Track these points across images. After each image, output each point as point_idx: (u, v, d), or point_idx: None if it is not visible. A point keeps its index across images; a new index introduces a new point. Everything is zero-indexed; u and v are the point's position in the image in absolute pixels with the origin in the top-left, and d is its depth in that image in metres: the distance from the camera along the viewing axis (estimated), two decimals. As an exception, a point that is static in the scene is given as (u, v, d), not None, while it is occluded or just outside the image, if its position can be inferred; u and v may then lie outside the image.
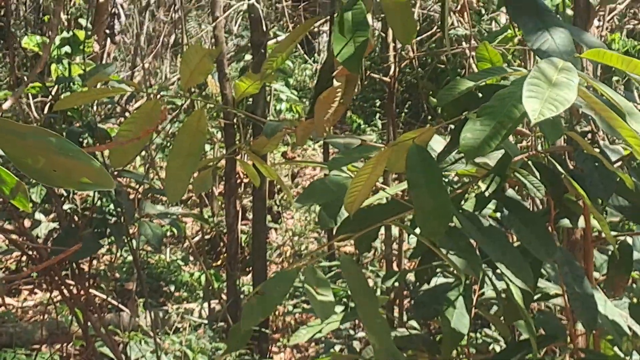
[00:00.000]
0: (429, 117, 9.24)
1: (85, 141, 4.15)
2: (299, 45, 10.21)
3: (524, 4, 2.11)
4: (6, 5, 4.54)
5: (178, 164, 2.42)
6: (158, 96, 2.46)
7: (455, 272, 2.59)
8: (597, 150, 2.41)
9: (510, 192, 2.64)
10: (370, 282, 5.85)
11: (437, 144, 2.41)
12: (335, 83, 2.19)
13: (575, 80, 1.74)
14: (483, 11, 5.23)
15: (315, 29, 8.53)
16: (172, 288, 6.63)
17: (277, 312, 5.98)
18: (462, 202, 2.43)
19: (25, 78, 5.35)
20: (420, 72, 7.36)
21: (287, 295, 2.11)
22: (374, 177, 2.09)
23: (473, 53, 3.73)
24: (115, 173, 3.60)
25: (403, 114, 9.02)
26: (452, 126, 2.20)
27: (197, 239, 7.27)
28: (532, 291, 2.25)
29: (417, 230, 2.43)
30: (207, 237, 7.23)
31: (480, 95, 2.14)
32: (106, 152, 4.29)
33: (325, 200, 2.46)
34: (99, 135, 3.81)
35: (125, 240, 3.71)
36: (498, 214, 2.48)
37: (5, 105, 1.61)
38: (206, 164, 2.75)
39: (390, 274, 2.81)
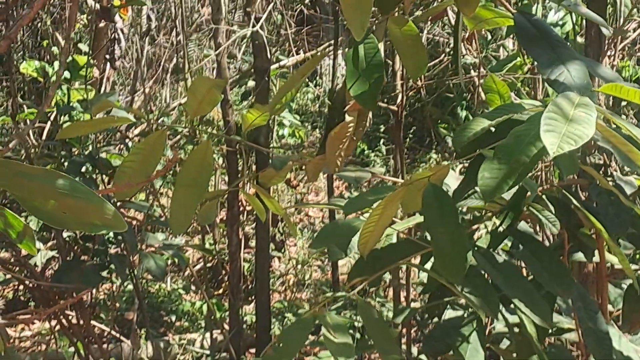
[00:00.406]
0: (435, 143, 9.22)
1: (85, 168, 4.11)
2: (297, 68, 10.18)
3: (536, 37, 2.07)
4: (5, 28, 4.49)
5: (184, 195, 2.38)
6: (159, 123, 2.42)
7: (467, 306, 2.55)
8: (611, 183, 2.38)
9: (522, 224, 2.60)
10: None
11: (451, 179, 2.38)
12: (347, 118, 2.15)
13: (593, 115, 1.70)
14: (489, 36, 5.20)
15: (318, 53, 8.52)
16: (173, 318, 6.55)
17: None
18: (475, 237, 2.39)
19: (25, 107, 5.30)
20: (425, 97, 7.35)
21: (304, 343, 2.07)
22: (387, 218, 2.06)
23: (482, 81, 3.69)
24: (119, 204, 3.56)
25: (408, 139, 9.00)
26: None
27: (198, 267, 7.20)
28: (550, 328, 2.21)
29: (428, 266, 2.39)
30: (208, 265, 7.16)
31: (493, 130, 2.11)
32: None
33: (337, 243, 2.43)
34: (101, 165, 3.77)
35: (128, 272, 3.65)
36: (509, 246, 2.45)
37: (11, 145, 1.55)
38: (212, 196, 2.70)
39: (401, 309, 2.75)
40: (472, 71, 3.98)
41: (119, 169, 2.45)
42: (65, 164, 4.27)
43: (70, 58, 6.00)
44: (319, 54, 8.37)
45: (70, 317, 3.80)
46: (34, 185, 1.36)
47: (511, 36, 4.36)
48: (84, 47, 6.04)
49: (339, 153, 2.16)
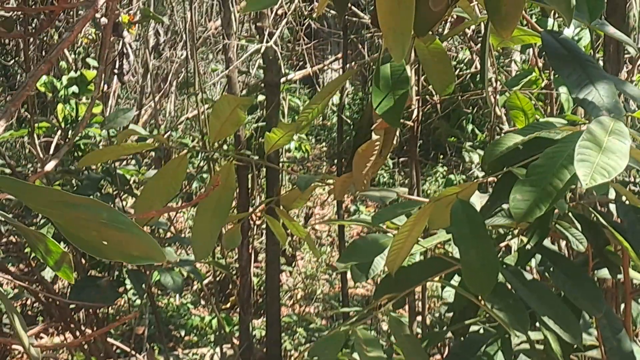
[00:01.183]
0: (440, 155, 9.22)
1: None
2: (302, 82, 10.21)
3: (565, 56, 2.07)
4: (25, 45, 4.50)
5: (206, 219, 2.35)
6: (177, 145, 2.42)
7: (486, 320, 2.54)
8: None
9: (546, 242, 2.59)
10: (384, 326, 5.78)
11: (474, 197, 2.37)
12: (374, 136, 2.14)
13: (627, 143, 1.69)
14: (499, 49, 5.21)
15: (325, 67, 8.54)
16: (182, 332, 6.54)
17: (292, 359, 5.91)
18: (501, 255, 2.39)
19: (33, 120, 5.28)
20: (434, 111, 7.35)
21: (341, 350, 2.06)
22: (415, 235, 2.05)
23: (498, 96, 3.69)
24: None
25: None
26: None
27: (206, 281, 7.19)
28: (580, 346, 2.19)
29: (455, 283, 2.38)
30: (217, 278, 7.15)
31: (521, 147, 2.10)
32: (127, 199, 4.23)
33: (366, 259, 2.42)
34: (118, 181, 3.77)
35: (145, 288, 3.65)
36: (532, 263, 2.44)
37: (48, 167, 1.55)
38: (235, 218, 2.68)
39: (432, 335, 2.75)
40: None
41: (141, 194, 2.44)
42: (76, 179, 4.27)
43: (78, 73, 6.00)
44: (325, 68, 8.40)
45: (86, 333, 3.79)
46: (77, 214, 1.36)
47: (517, 48, 4.35)
48: (92, 62, 6.03)
49: (366, 172, 2.15)
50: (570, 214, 2.35)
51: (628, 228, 2.27)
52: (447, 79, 2.22)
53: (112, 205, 1.53)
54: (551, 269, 2.25)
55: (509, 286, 2.21)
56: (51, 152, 5.88)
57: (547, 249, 2.32)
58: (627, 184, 2.55)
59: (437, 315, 5.28)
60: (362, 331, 2.09)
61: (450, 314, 2.78)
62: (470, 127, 8.60)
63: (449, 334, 2.79)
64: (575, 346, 2.67)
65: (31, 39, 6.58)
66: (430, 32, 2.18)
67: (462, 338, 2.61)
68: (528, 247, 2.28)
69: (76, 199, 1.35)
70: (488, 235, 2.02)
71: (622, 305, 2.63)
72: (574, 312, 2.27)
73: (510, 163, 2.03)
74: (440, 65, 2.22)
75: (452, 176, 8.15)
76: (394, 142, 2.19)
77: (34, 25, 6.08)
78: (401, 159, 9.27)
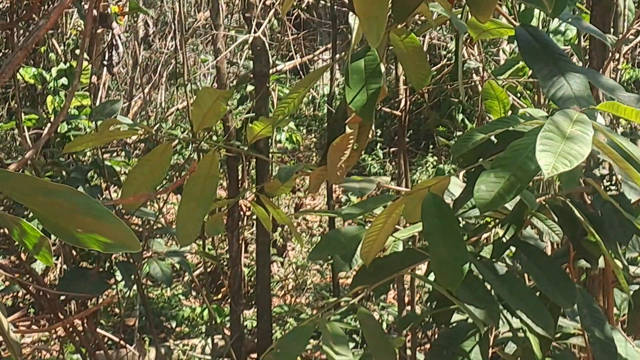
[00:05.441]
0: (430, 146, 9.20)
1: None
2: (293, 72, 10.21)
3: (538, 50, 2.07)
4: (12, 35, 4.49)
5: (190, 207, 2.38)
6: (164, 135, 2.43)
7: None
8: (616, 192, 2.38)
9: (528, 230, 2.60)
10: (376, 315, 5.79)
11: (455, 186, 2.38)
12: (348, 130, 2.15)
13: (589, 134, 1.69)
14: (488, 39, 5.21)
15: (315, 58, 8.53)
16: (174, 324, 6.55)
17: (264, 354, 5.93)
18: (478, 247, 2.39)
19: (23, 114, 5.29)
20: (424, 101, 7.36)
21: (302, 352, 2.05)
22: (389, 227, 2.06)
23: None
24: (123, 211, 3.55)
25: (404, 143, 9.00)
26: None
27: (197, 272, 7.20)
28: (552, 337, 2.20)
29: (432, 278, 2.39)
30: (207, 270, 7.15)
31: (495, 140, 2.10)
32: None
33: (338, 253, 2.42)
34: (106, 173, 3.77)
35: (134, 279, 3.65)
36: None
37: (27, 156, 1.55)
38: (219, 205, 2.71)
39: (406, 319, 2.75)
40: (474, 75, 3.98)
41: (127, 180, 2.46)
42: (65, 170, 4.27)
43: (67, 64, 6.00)
44: (315, 59, 8.39)
45: (76, 324, 3.80)
46: (51, 201, 1.36)
47: (505, 38, 4.36)
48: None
49: (341, 164, 2.16)
50: (547, 205, 2.36)
51: (605, 220, 2.28)
52: (424, 73, 2.23)
53: (100, 197, 1.54)
54: (525, 261, 2.26)
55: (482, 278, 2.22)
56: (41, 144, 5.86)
57: (522, 241, 2.33)
58: (602, 177, 2.56)
59: (428, 305, 5.29)
60: (333, 325, 2.07)
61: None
62: (460, 116, 8.61)
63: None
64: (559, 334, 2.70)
65: (20, 30, 6.55)
66: (406, 26, 2.19)
67: (445, 326, 2.62)
68: (504, 239, 2.29)
69: (52, 186, 1.35)
70: (458, 229, 2.02)
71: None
72: (554, 305, 2.28)
73: (484, 155, 2.03)
74: (416, 59, 2.22)
75: (442, 166, 8.15)
76: (369, 135, 2.19)
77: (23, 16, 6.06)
78: (392, 149, 9.28)
